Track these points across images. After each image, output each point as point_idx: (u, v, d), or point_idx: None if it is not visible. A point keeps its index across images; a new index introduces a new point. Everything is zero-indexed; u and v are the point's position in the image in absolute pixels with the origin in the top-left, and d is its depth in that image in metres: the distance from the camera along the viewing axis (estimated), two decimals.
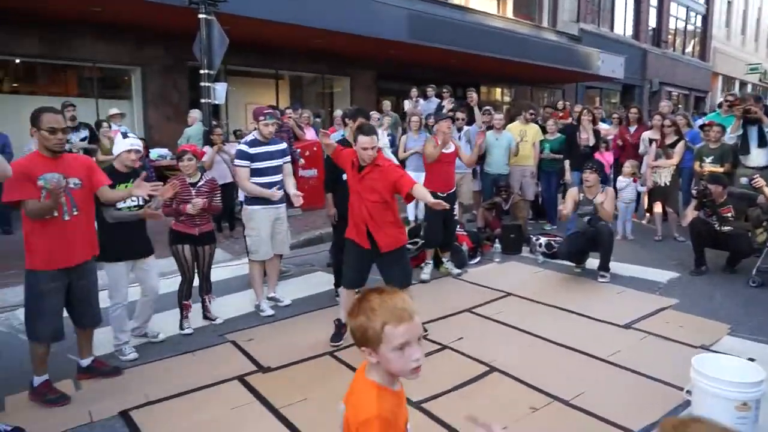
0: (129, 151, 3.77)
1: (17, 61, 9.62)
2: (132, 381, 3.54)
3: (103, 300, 3.70)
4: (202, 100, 7.56)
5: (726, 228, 5.50)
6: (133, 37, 9.92)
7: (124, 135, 3.87)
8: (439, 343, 4.05)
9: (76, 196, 3.24)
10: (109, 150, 7.37)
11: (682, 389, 3.19)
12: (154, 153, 8.68)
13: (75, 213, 3.24)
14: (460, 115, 7.13)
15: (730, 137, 6.53)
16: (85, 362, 3.56)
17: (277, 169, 4.63)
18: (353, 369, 3.65)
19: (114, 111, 8.11)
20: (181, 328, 4.31)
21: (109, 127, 7.52)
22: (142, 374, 3.65)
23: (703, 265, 5.73)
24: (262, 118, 4.50)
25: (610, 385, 3.42)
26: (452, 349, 3.96)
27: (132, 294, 4.01)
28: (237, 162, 4.55)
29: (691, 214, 5.66)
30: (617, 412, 3.06)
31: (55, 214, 3.14)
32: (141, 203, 3.84)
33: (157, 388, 3.41)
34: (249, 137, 4.67)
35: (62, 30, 9.19)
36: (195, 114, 8.03)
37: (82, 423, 3.05)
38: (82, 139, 7.32)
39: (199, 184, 4.32)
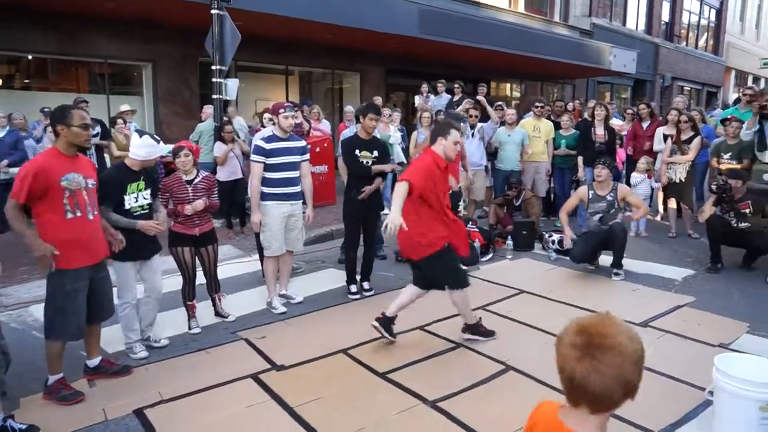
0: (163, 157, 3.76)
1: (29, 57, 9.66)
2: (146, 379, 3.54)
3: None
4: (214, 96, 7.54)
5: (743, 225, 5.42)
6: (144, 33, 9.91)
7: (156, 139, 3.76)
8: (453, 341, 4.01)
9: (93, 197, 3.26)
10: (125, 146, 7.39)
11: (702, 389, 3.14)
12: (164, 149, 8.69)
13: (96, 212, 3.26)
14: (473, 111, 7.08)
15: (746, 133, 6.40)
16: (94, 362, 3.54)
17: (294, 166, 4.58)
18: (367, 367, 3.63)
19: (125, 107, 8.13)
20: (189, 328, 4.28)
21: (124, 123, 7.52)
22: (155, 372, 3.64)
23: (719, 263, 5.65)
24: (282, 110, 4.46)
25: None
26: (467, 347, 3.93)
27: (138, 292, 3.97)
28: (252, 158, 4.52)
29: (708, 209, 5.57)
30: (637, 412, 3.00)
31: (78, 213, 3.14)
32: (150, 200, 3.81)
33: (170, 387, 3.40)
34: (267, 132, 4.63)
35: (74, 26, 9.20)
36: (209, 110, 8.02)
37: (97, 422, 3.04)
38: (94, 135, 7.32)
39: (196, 181, 4.21)
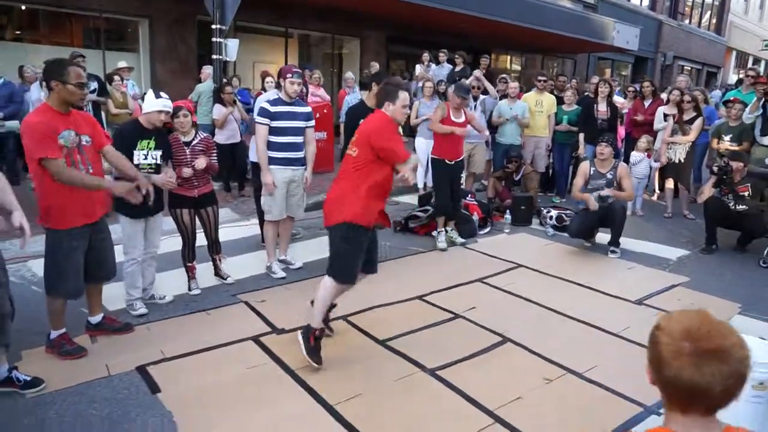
0: (160, 112, 3.71)
1: (22, 7, 9.38)
2: (147, 337, 3.56)
3: (118, 254, 3.69)
4: (214, 56, 7.39)
5: (741, 207, 5.47)
6: None
7: (157, 94, 3.75)
8: (452, 312, 4.06)
9: (88, 153, 3.19)
10: (121, 103, 7.27)
11: None
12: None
13: (90, 170, 3.19)
14: (476, 83, 7.01)
15: (749, 117, 6.40)
16: (95, 319, 3.56)
17: (298, 131, 4.54)
18: (367, 334, 3.68)
19: (122, 64, 7.96)
20: (189, 289, 4.30)
21: (121, 80, 7.37)
22: (157, 331, 3.67)
23: (714, 244, 5.72)
24: (289, 75, 4.40)
25: (622, 360, 3.44)
26: (465, 318, 3.98)
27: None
28: (257, 119, 4.46)
29: (708, 191, 5.60)
30: (631, 387, 3.09)
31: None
32: (159, 162, 3.79)
33: (172, 345, 3.43)
34: (272, 96, 4.57)
35: None
36: (208, 70, 7.87)
37: (100, 376, 3.07)
38: (91, 92, 7.18)
39: (194, 142, 4.15)
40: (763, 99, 6.13)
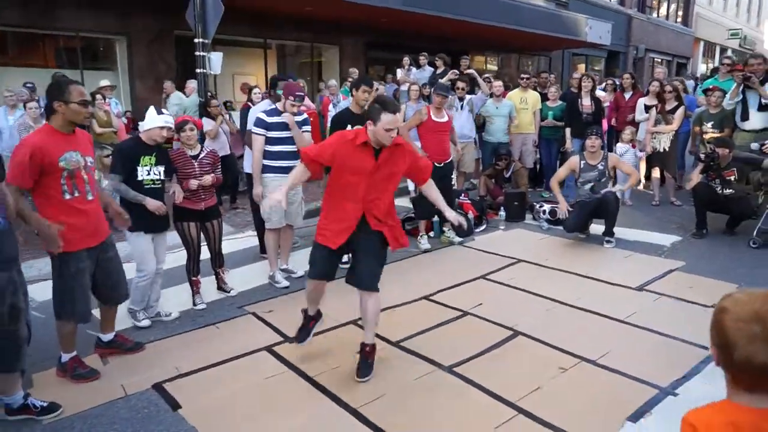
0: (162, 128, 3.70)
1: None
2: (159, 354, 3.52)
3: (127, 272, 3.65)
4: (198, 70, 7.36)
5: (728, 191, 5.62)
6: (117, 6, 9.56)
7: (158, 111, 3.76)
8: (460, 309, 4.09)
9: (92, 176, 3.16)
10: (105, 122, 7.19)
11: (703, 347, 3.30)
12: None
13: (96, 192, 3.17)
14: (460, 84, 7.09)
15: (729, 103, 6.57)
16: (107, 337, 3.51)
17: (294, 140, 4.55)
18: (380, 337, 3.67)
19: (105, 83, 7.88)
20: (194, 304, 4.28)
21: (104, 99, 7.29)
22: (168, 348, 3.63)
23: (705, 228, 5.85)
24: (291, 98, 4.42)
25: (633, 345, 3.51)
26: (473, 314, 4.01)
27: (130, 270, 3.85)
28: (254, 130, 4.47)
29: (696, 177, 5.75)
30: (644, 370, 3.15)
31: (77, 194, 3.03)
32: (163, 177, 3.79)
33: (186, 361, 3.39)
34: (268, 106, 4.58)
35: None
36: (192, 84, 7.84)
37: (117, 397, 3.03)
38: None
39: (201, 156, 4.16)
40: (743, 85, 6.29)
